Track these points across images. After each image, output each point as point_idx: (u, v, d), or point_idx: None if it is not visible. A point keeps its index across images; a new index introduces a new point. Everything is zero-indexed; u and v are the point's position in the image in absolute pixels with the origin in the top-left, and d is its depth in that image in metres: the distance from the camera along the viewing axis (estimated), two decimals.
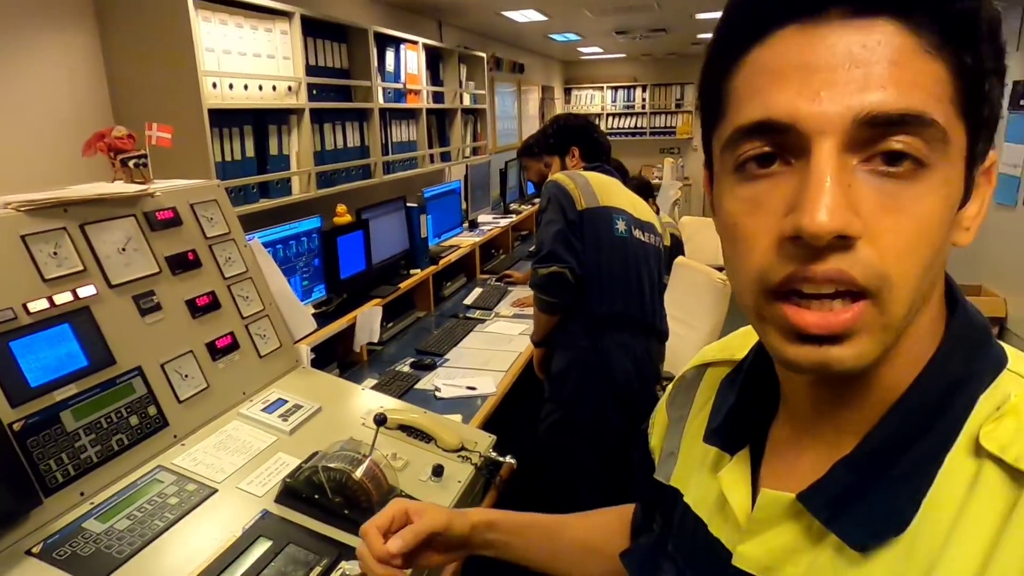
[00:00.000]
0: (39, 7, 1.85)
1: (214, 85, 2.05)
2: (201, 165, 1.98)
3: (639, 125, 9.22)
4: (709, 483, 0.58)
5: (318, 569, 1.07)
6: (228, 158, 2.15)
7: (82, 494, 1.11)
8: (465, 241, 3.67)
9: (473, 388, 2.18)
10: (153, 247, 1.39)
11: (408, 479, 1.34)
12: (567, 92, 9.37)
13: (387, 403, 1.64)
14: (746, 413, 0.57)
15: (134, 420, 1.23)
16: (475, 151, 4.50)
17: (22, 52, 1.83)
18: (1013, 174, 4.31)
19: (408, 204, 3.04)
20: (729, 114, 0.44)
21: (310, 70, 2.53)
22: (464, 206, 3.90)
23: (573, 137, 2.41)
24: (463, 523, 0.80)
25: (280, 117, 2.40)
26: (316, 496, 1.19)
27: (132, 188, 1.39)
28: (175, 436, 1.30)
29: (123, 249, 1.33)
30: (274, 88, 2.35)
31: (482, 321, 2.95)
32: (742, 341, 0.64)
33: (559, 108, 8.87)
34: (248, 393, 1.51)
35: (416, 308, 3.03)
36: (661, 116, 9.10)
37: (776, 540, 0.48)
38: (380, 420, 1.28)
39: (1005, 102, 3.99)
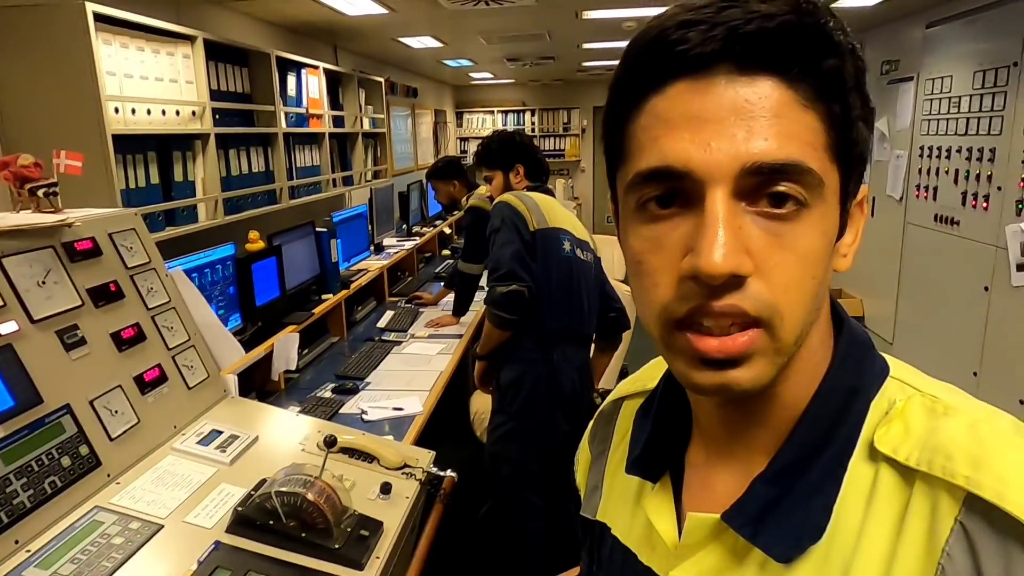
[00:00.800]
0: None
1: (116, 110, 1.97)
2: (105, 193, 1.89)
3: None
4: (635, 513, 0.60)
5: None
6: (132, 185, 2.06)
7: (16, 542, 1.04)
8: (373, 265, 3.67)
9: (400, 408, 2.20)
10: (74, 279, 1.33)
11: (358, 498, 1.35)
12: (459, 116, 9.53)
13: (322, 428, 1.64)
14: (663, 440, 0.58)
15: (66, 461, 1.17)
16: (376, 175, 4.50)
17: None
18: None
19: (317, 229, 3.01)
20: (630, 158, 0.47)
21: (214, 95, 2.47)
22: (370, 230, 3.89)
23: (519, 154, 2.44)
24: None
25: (184, 143, 2.33)
26: (271, 522, 1.18)
27: (49, 218, 1.33)
28: (108, 475, 1.24)
29: (43, 282, 1.26)
30: (178, 113, 2.28)
31: (398, 343, 2.96)
32: (652, 372, 0.66)
33: (452, 132, 9.00)
34: (179, 426, 1.46)
35: (330, 333, 2.99)
36: (550, 139, 9.45)
37: (705, 562, 0.50)
38: (330, 442, 1.30)
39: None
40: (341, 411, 2.21)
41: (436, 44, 4.80)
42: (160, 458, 1.36)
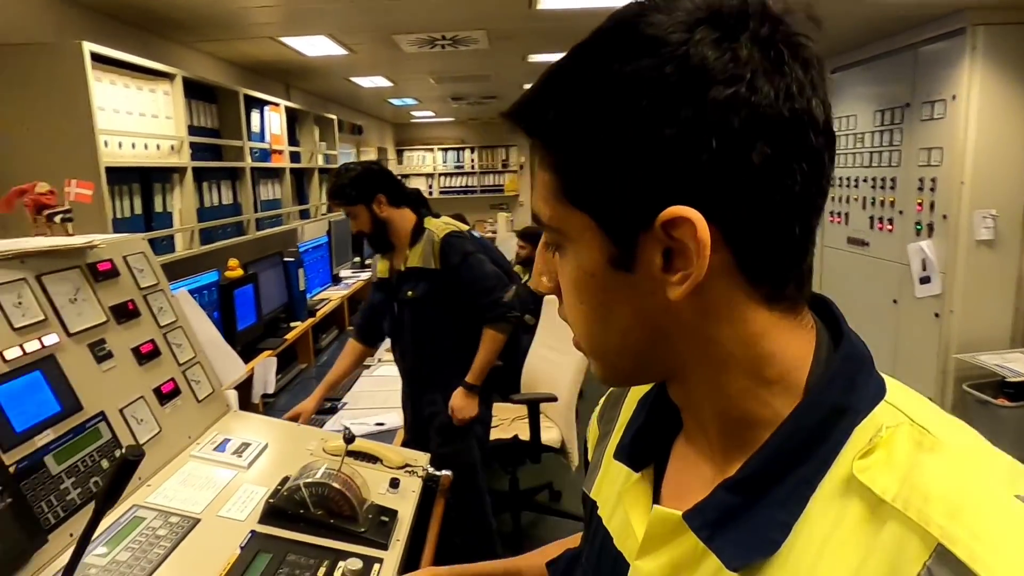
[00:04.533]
0: None
1: (106, 143, 2.05)
2: (98, 222, 1.95)
3: (470, 184, 9.78)
4: (618, 499, 0.61)
5: (322, 569, 1.19)
6: (119, 215, 2.13)
7: (71, 535, 1.12)
8: (334, 295, 3.76)
9: (382, 424, 2.32)
10: (99, 297, 1.42)
11: (371, 493, 1.47)
12: (399, 153, 9.70)
13: (324, 435, 1.75)
14: (652, 431, 0.59)
15: (105, 463, 1.25)
16: (330, 208, 4.60)
17: None
18: None
19: (284, 259, 3.10)
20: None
21: (190, 130, 2.57)
22: (331, 261, 3.99)
23: (377, 184, 2.32)
24: None
25: (164, 175, 2.41)
26: (301, 511, 1.30)
27: (78, 240, 1.42)
28: (139, 478, 1.33)
29: (74, 299, 1.35)
30: (158, 147, 2.36)
31: (367, 367, 3.06)
32: None
33: (394, 168, 9.16)
34: (193, 436, 1.55)
35: (298, 360, 3.06)
36: (490, 175, 9.75)
37: (665, 556, 0.51)
38: (349, 438, 1.43)
39: None
40: (324, 428, 2.30)
41: (386, 83, 4.99)
42: (181, 464, 1.44)
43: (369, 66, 4.30)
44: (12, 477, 1.03)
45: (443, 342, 2.34)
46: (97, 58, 1.99)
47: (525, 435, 2.88)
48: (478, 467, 2.44)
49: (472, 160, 9.71)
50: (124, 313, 1.48)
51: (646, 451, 0.58)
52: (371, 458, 1.65)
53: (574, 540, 0.85)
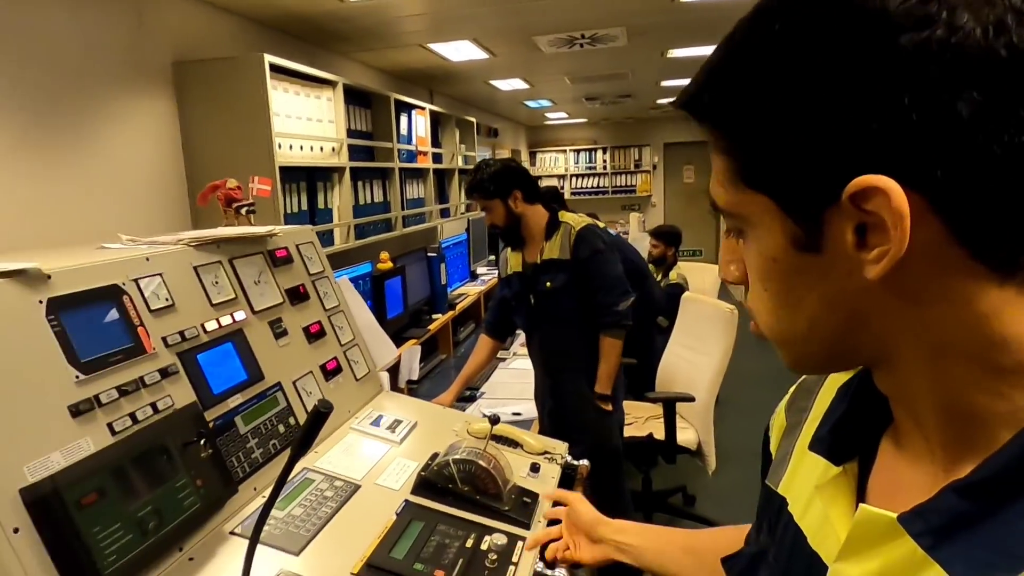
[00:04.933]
0: (127, 80, 2.06)
1: (279, 145, 2.27)
2: (272, 215, 2.17)
3: (601, 185, 9.76)
4: (814, 495, 0.55)
5: (470, 541, 1.25)
6: (289, 211, 2.35)
7: (255, 489, 1.26)
8: (472, 290, 3.90)
9: (519, 414, 2.37)
10: (277, 280, 1.58)
11: (514, 475, 1.52)
12: (532, 155, 9.87)
13: (466, 418, 1.83)
14: (856, 422, 0.54)
15: (281, 428, 1.39)
16: (468, 208, 4.79)
17: (114, 119, 2.02)
18: None
19: (428, 254, 3.26)
20: None
21: (348, 133, 2.78)
22: (469, 258, 4.15)
23: (515, 180, 2.39)
24: (601, 519, 1.02)
25: (325, 175, 2.63)
26: (449, 486, 1.37)
27: (261, 229, 1.59)
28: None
29: (257, 281, 1.51)
30: (322, 148, 2.58)
31: (503, 360, 3.15)
32: None
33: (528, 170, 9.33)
34: (352, 411, 1.68)
35: (439, 351, 3.21)
36: (621, 176, 9.66)
37: (874, 561, 0.45)
38: (494, 420, 1.48)
39: None
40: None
41: (523, 86, 5.10)
42: (342, 436, 1.57)
43: (508, 69, 4.42)
44: (212, 432, 1.18)
45: (581, 330, 2.37)
46: (274, 69, 2.21)
47: (659, 434, 2.84)
48: (620, 455, 2.45)
49: (604, 161, 9.67)
50: (297, 296, 1.63)
51: (848, 444, 0.54)
52: (512, 443, 1.70)
53: (741, 531, 0.80)
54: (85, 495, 0.90)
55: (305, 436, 0.77)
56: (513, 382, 2.83)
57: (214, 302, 1.35)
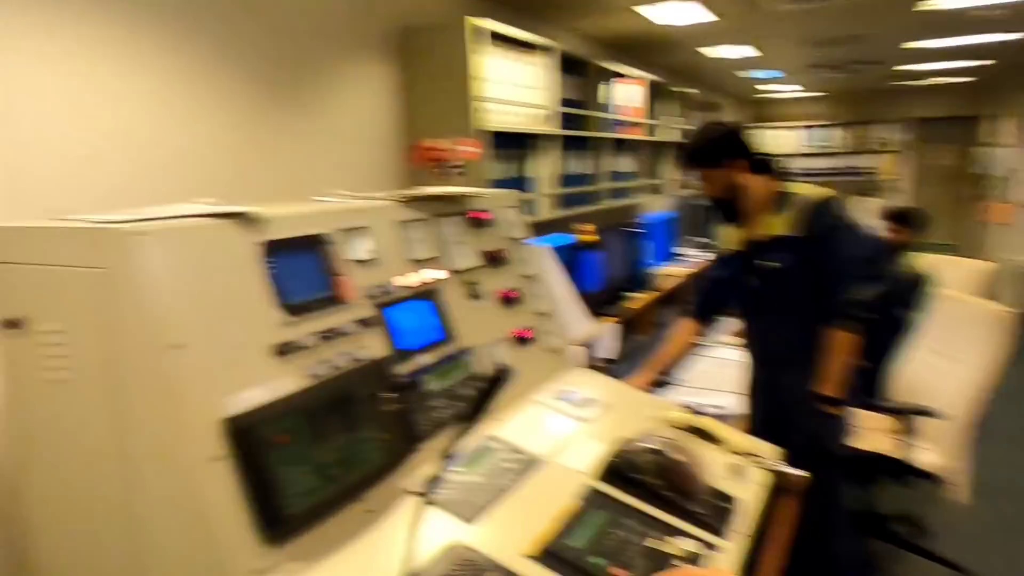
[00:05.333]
0: (359, 48, 2.18)
1: (489, 110, 2.27)
2: (476, 180, 2.18)
3: (834, 166, 8.74)
4: None
5: (655, 540, 1.12)
6: (494, 176, 2.35)
7: (435, 451, 1.24)
8: (678, 271, 3.68)
9: (721, 407, 2.16)
10: (477, 242, 1.56)
11: (709, 475, 1.35)
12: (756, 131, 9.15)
13: (663, 404, 1.68)
14: None
15: (467, 392, 1.36)
16: (681, 184, 4.53)
17: (341, 84, 2.15)
18: None
19: (631, 230, 3.12)
20: None
21: (561, 102, 2.72)
22: (675, 237, 3.92)
23: (738, 147, 2.07)
24: None
25: (533, 142, 2.59)
26: (640, 476, 1.25)
27: (469, 189, 1.58)
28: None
29: (458, 242, 1.50)
30: (532, 116, 2.55)
31: (704, 346, 2.92)
32: None
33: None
34: (539, 383, 1.61)
35: (638, 331, 3.07)
36: (859, 156, 8.57)
37: None
38: (696, 411, 1.33)
39: None
40: None
41: (752, 53, 4.67)
42: (529, 407, 1.52)
43: (735, 32, 4.04)
44: (402, 387, 1.18)
45: (811, 320, 2.04)
46: (493, 35, 2.20)
47: (886, 450, 2.43)
48: (843, 469, 2.13)
49: (843, 138, 8.64)
50: (494, 259, 1.60)
51: None
52: (711, 438, 1.53)
53: None
54: (279, 434, 0.92)
55: (482, 398, 0.70)
56: (712, 371, 2.60)
57: (416, 258, 1.35)
